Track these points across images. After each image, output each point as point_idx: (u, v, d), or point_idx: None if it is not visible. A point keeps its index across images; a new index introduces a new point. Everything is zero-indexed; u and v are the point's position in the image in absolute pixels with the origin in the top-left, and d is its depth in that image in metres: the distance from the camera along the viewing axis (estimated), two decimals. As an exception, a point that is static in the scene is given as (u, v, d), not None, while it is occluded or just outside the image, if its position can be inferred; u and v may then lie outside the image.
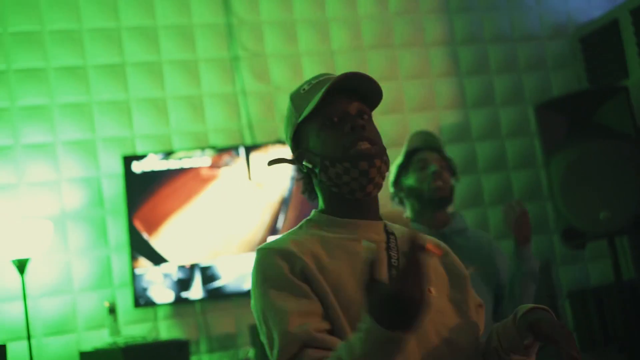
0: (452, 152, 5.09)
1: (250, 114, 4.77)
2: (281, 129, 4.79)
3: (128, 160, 4.33)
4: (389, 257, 1.79)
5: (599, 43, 5.26)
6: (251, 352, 4.33)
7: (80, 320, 4.39)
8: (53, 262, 4.38)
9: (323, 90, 1.82)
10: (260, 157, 4.50)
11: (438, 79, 5.20)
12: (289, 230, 1.90)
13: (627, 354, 4.60)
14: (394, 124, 4.99)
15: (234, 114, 4.76)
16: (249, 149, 4.50)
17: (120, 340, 4.13)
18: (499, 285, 3.27)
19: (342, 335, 1.67)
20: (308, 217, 1.93)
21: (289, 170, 4.52)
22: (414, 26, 5.21)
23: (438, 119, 5.14)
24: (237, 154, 4.47)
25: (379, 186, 1.85)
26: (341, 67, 4.99)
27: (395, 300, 1.48)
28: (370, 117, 1.89)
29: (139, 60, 4.67)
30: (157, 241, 4.33)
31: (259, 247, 1.84)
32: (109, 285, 4.44)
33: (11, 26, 4.51)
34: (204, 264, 4.41)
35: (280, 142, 4.59)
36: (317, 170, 1.86)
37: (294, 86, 1.74)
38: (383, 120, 4.98)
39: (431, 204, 3.31)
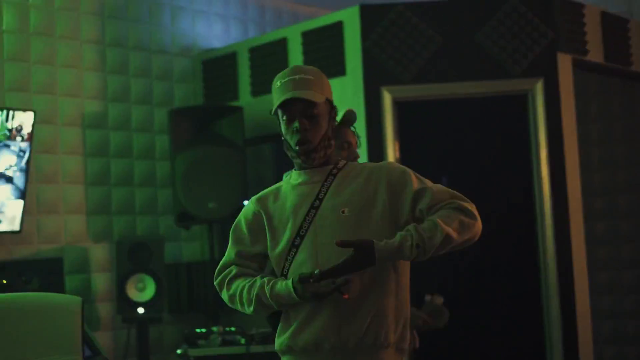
0: (91, 137, 5.96)
1: None
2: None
3: None
4: (318, 192, 2.60)
5: (218, 67, 6.49)
6: None
7: None
8: None
9: (275, 107, 2.61)
10: None
11: (87, 72, 6.01)
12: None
13: (210, 316, 5.90)
14: (46, 104, 5.71)
15: None
16: None
17: None
18: None
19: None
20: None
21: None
22: (73, 23, 5.96)
23: (83, 106, 5.95)
24: None
25: (318, 158, 2.61)
26: (9, 46, 5.57)
27: (314, 294, 2.46)
28: (317, 112, 2.58)
29: None
30: None
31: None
32: None
33: None
34: None
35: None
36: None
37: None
38: (37, 99, 5.69)
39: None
